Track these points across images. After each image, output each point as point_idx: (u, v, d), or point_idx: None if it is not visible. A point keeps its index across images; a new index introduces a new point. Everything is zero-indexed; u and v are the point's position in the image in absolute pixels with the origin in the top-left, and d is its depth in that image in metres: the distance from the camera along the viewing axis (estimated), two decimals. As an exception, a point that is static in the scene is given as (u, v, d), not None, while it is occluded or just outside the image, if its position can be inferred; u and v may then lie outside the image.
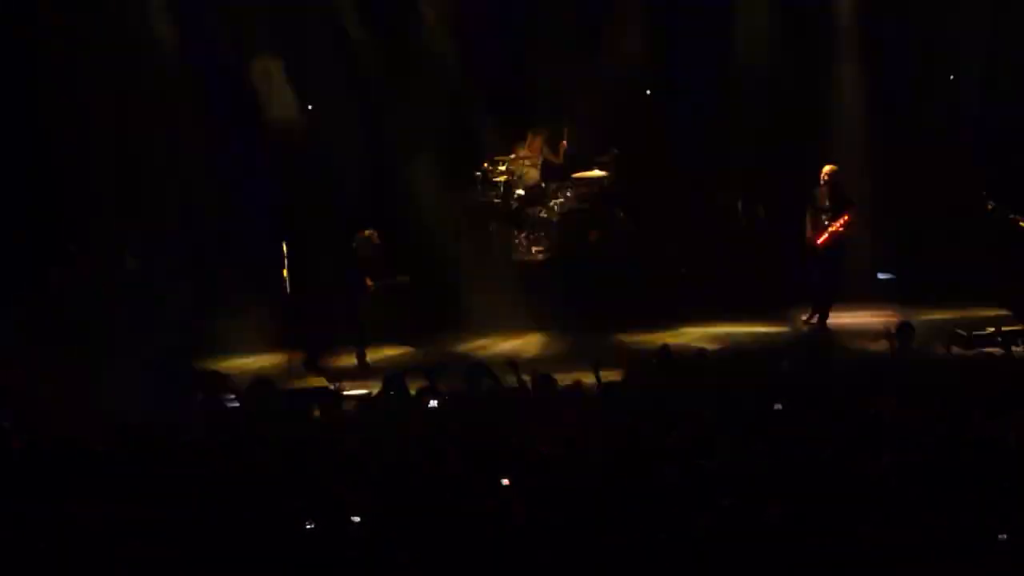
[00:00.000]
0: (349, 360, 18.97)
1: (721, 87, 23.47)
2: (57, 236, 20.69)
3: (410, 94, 22.80)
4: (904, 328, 16.98)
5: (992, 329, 18.35)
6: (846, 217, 19.84)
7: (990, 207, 20.47)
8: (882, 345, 16.51)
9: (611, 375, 14.87)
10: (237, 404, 15.65)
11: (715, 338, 19.80)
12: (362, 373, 18.22)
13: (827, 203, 19.76)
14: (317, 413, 13.78)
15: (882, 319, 19.27)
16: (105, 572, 9.64)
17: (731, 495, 10.30)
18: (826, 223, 19.76)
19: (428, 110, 22.80)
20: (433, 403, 14.13)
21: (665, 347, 15.58)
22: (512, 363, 15.01)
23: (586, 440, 12.02)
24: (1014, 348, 16.49)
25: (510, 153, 22.03)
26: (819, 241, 19.74)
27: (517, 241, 21.59)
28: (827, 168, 19.98)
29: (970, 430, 11.90)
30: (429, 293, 21.07)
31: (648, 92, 24.92)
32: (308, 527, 10.14)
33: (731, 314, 21.04)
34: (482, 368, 15.06)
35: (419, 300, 20.80)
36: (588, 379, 14.59)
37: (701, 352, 15.08)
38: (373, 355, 18.91)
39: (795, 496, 10.21)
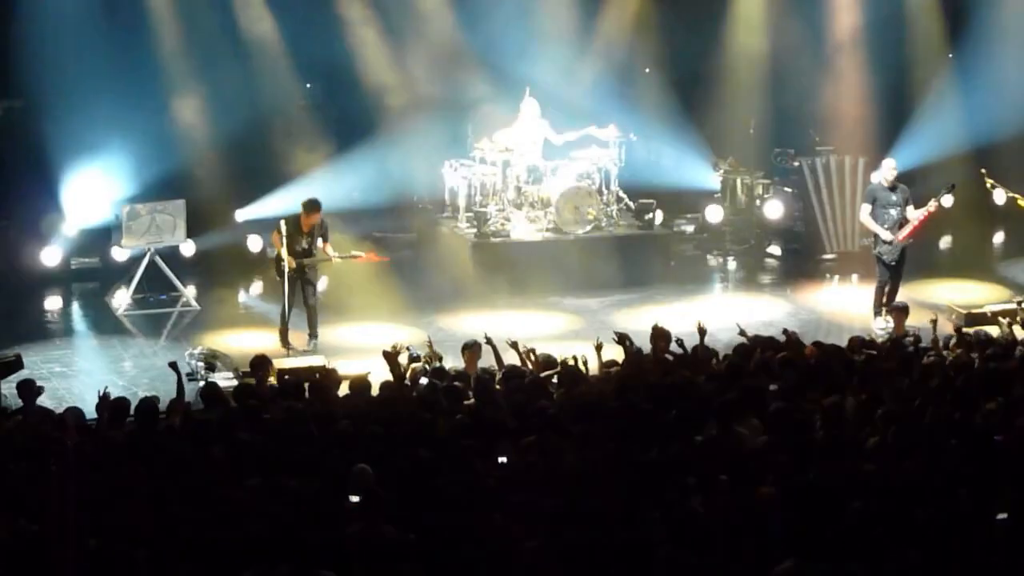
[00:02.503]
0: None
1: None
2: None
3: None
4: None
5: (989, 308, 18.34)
6: (936, 205, 19.30)
7: (990, 185, 20.40)
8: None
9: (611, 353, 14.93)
10: (235, 382, 15.67)
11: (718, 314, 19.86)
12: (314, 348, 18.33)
13: (894, 198, 19.18)
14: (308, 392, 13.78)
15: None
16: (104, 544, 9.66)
17: (726, 473, 10.32)
18: (896, 216, 19.11)
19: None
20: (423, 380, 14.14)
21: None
22: (514, 343, 14.99)
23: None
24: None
25: (510, 130, 21.97)
26: (904, 236, 19.08)
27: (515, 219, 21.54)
28: (893, 163, 19.56)
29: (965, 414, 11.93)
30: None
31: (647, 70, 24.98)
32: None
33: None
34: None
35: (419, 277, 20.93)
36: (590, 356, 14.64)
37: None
38: (373, 332, 18.84)
39: (790, 475, 10.21)
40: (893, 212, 19.00)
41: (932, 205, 19.04)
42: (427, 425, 11.94)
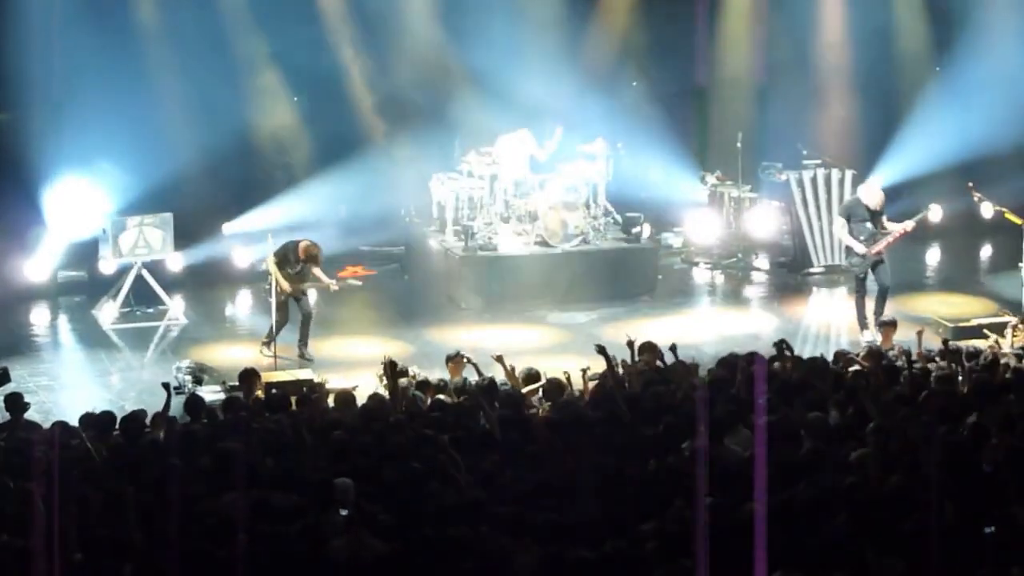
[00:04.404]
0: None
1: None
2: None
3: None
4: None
5: (977, 322, 18.37)
6: (914, 225, 19.30)
7: (977, 198, 20.47)
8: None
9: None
10: (223, 395, 15.65)
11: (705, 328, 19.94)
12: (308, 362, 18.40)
13: (870, 212, 19.15)
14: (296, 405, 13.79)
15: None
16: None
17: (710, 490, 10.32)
18: (874, 230, 19.12)
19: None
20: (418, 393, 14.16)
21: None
22: (499, 357, 14.97)
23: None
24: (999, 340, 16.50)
25: (496, 145, 21.98)
26: (877, 250, 19.07)
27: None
28: (879, 183, 19.57)
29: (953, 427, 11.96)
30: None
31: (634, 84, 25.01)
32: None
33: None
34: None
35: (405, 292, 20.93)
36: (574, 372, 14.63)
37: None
38: (361, 346, 18.85)
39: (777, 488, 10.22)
40: (869, 226, 19.10)
41: (909, 224, 19.10)
42: (414, 438, 11.94)
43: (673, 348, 14.72)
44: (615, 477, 10.71)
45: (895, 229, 19.00)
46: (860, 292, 19.25)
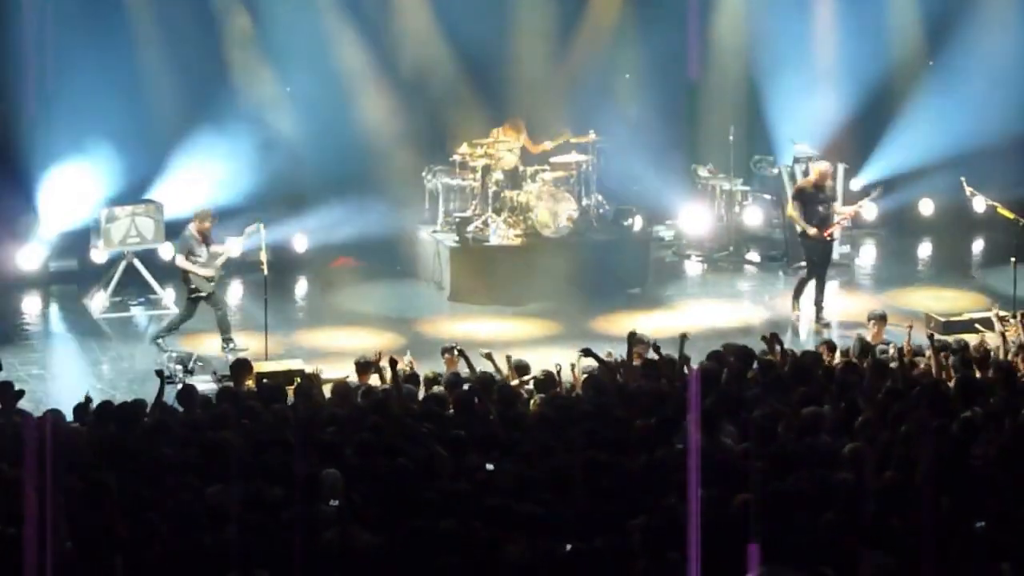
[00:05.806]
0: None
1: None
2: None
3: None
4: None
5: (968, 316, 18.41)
6: (865, 205, 19.71)
7: (969, 193, 20.51)
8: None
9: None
10: (214, 386, 15.66)
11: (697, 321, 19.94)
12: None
13: (820, 195, 19.43)
14: (291, 396, 13.78)
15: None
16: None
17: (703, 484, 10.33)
18: (824, 212, 19.43)
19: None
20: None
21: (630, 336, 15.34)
22: (488, 354, 14.95)
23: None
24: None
25: (489, 137, 21.96)
26: (829, 231, 19.37)
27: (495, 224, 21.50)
28: (823, 165, 19.89)
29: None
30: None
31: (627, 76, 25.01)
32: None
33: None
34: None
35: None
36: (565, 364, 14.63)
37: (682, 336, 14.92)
38: (351, 337, 18.84)
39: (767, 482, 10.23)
40: (820, 209, 19.55)
41: (860, 205, 19.48)
42: (410, 432, 11.93)
43: (683, 338, 14.74)
44: (606, 470, 10.71)
45: (845, 211, 19.43)
46: (810, 276, 19.74)
